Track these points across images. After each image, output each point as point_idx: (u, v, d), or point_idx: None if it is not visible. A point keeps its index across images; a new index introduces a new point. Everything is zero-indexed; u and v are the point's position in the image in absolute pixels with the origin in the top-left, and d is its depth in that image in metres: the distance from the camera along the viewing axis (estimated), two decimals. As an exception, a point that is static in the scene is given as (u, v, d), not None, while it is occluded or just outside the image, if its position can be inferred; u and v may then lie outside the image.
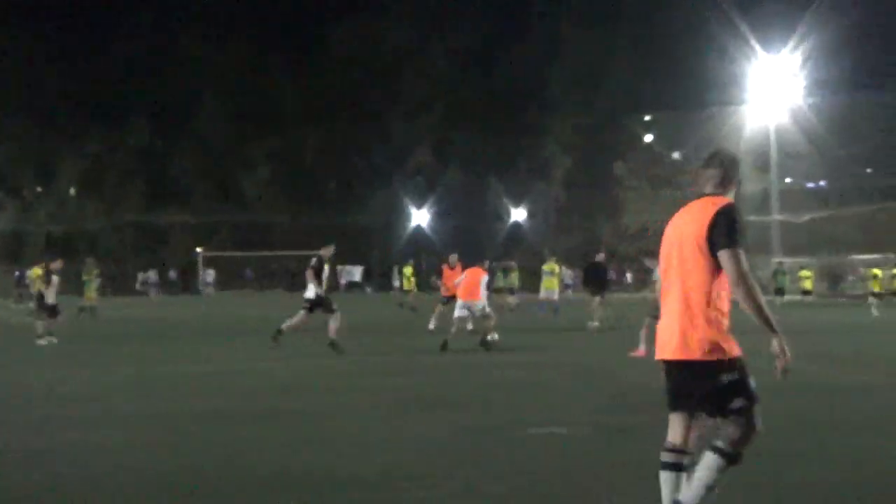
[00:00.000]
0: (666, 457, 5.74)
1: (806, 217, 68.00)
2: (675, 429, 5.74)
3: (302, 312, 20.48)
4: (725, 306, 5.53)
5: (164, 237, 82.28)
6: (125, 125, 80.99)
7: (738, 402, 5.44)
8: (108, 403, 12.61)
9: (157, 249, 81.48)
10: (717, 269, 5.48)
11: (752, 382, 5.46)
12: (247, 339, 24.43)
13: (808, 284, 51.29)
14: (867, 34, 65.56)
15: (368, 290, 76.69)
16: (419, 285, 42.07)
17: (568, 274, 51.85)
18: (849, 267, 63.00)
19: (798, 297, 47.51)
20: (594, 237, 73.56)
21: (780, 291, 49.07)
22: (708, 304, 5.48)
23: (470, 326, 23.53)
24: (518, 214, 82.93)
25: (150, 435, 10.08)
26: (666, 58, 71.61)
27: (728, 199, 5.73)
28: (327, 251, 20.60)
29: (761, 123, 68.29)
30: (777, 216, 68.26)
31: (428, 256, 79.04)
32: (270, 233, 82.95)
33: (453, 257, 26.98)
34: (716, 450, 5.52)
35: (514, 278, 44.07)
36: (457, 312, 21.39)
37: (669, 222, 5.95)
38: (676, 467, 5.69)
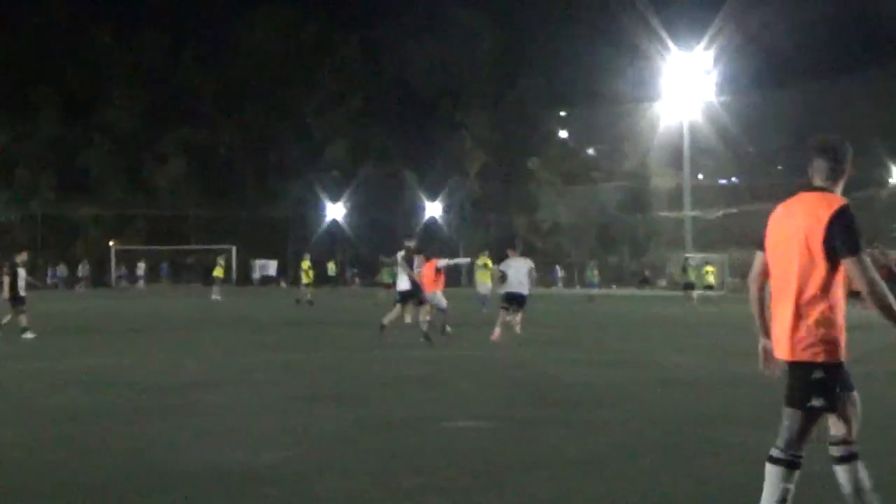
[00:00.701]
0: (834, 451, 5.51)
1: (718, 213, 69.01)
2: (833, 422, 5.51)
3: (397, 306, 21.10)
4: (839, 306, 5.34)
5: (75, 230, 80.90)
6: (35, 115, 79.43)
7: (817, 402, 5.34)
8: (11, 398, 12.39)
9: (68, 243, 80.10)
10: (830, 269, 5.29)
11: (839, 391, 5.35)
12: (156, 333, 24.14)
13: (710, 279, 52.16)
14: (778, 33, 66.65)
15: (283, 284, 76.21)
16: (317, 279, 42.12)
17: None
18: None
19: (701, 292, 48.12)
20: (509, 232, 73.93)
21: (689, 286, 49.82)
22: (819, 303, 5.31)
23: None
24: (433, 209, 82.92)
25: (52, 430, 9.90)
26: (580, 54, 72.13)
27: (840, 198, 5.43)
28: (412, 242, 20.88)
29: (674, 120, 69.11)
30: (690, 212, 69.16)
31: (343, 251, 79.09)
32: (184, 226, 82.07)
33: (420, 258, 27.05)
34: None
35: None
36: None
37: (773, 216, 5.72)
38: (848, 458, 5.46)
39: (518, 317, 21.64)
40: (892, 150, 70.64)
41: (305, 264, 42.28)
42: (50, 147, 79.20)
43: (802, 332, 5.33)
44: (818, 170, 5.58)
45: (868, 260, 5.21)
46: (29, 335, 22.20)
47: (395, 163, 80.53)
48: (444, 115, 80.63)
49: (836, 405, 5.36)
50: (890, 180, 74.12)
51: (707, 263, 54.62)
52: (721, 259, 62.91)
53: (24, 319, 22.79)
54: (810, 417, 5.39)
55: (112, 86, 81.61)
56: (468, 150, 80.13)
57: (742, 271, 65.75)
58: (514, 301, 21.14)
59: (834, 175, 5.55)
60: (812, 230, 5.31)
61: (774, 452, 5.46)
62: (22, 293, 23.13)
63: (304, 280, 42.20)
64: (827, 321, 5.29)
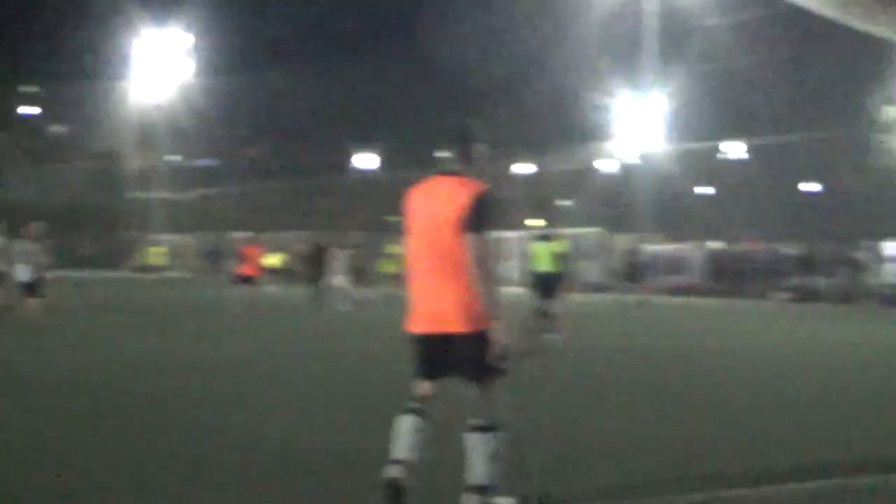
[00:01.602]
0: (413, 404, 5.74)
1: (193, 194, 69.12)
2: (426, 390, 5.78)
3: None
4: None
5: None
6: None
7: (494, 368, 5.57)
8: None
9: None
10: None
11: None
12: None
13: (158, 260, 53.43)
14: (259, 17, 67.93)
15: None
16: None
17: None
18: (230, 244, 64.66)
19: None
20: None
21: (147, 269, 50.49)
22: (468, 280, 5.52)
23: None
24: None
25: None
26: (51, 29, 69.50)
27: (478, 182, 5.67)
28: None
29: (149, 99, 68.35)
30: (161, 193, 68.80)
31: None
32: None
33: None
34: (478, 428, 5.55)
35: None
36: None
37: (411, 200, 5.83)
38: (421, 413, 5.70)
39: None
40: (355, 137, 74.07)
41: None
42: None
43: (460, 305, 5.55)
44: (451, 155, 5.79)
45: (487, 241, 5.53)
46: None
47: None
48: None
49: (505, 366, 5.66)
50: (350, 164, 77.56)
51: (156, 245, 55.37)
52: (194, 241, 62.84)
53: None
54: (493, 384, 5.63)
55: None
56: None
57: (212, 253, 66.20)
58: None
59: (463, 160, 5.77)
60: (453, 211, 5.53)
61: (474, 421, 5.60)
62: None
63: None
64: (477, 293, 5.56)
